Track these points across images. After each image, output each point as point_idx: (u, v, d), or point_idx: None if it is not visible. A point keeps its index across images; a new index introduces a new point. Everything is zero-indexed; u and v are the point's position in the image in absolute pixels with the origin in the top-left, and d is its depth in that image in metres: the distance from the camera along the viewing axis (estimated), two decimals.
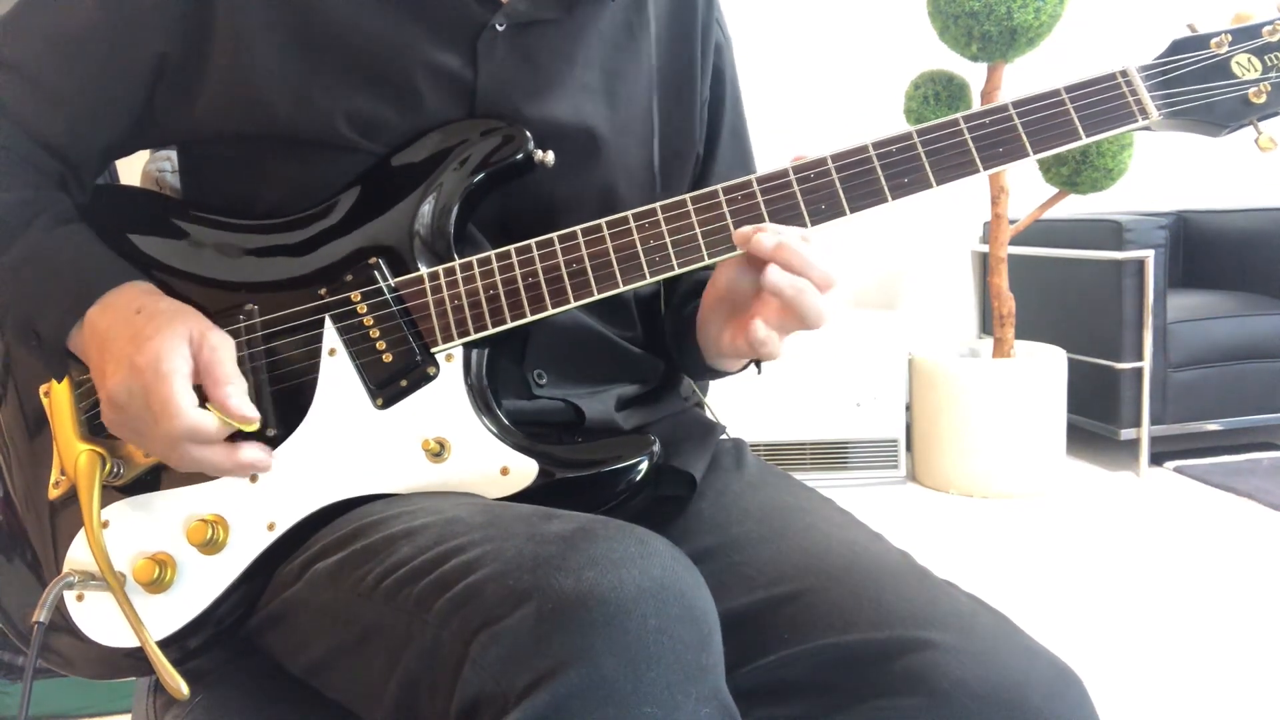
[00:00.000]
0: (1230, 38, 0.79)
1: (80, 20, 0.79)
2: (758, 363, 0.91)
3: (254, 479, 0.75)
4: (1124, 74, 0.78)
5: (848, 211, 0.77)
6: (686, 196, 0.77)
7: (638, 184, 0.86)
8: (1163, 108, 0.78)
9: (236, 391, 0.71)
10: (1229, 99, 0.78)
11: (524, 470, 0.74)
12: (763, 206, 0.76)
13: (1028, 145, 0.76)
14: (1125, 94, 0.77)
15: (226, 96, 0.78)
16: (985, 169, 0.76)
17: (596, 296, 0.76)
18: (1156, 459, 3.06)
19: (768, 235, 0.73)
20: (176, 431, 0.69)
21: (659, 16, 0.89)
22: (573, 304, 0.76)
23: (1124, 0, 3.47)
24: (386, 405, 0.76)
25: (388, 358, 0.76)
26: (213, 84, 0.78)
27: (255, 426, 0.71)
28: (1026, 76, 2.22)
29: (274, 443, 0.75)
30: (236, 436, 0.72)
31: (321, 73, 0.78)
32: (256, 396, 0.74)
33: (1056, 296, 3.24)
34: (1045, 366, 2.87)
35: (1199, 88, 0.78)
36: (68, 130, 0.81)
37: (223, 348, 0.72)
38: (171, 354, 0.70)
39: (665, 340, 0.95)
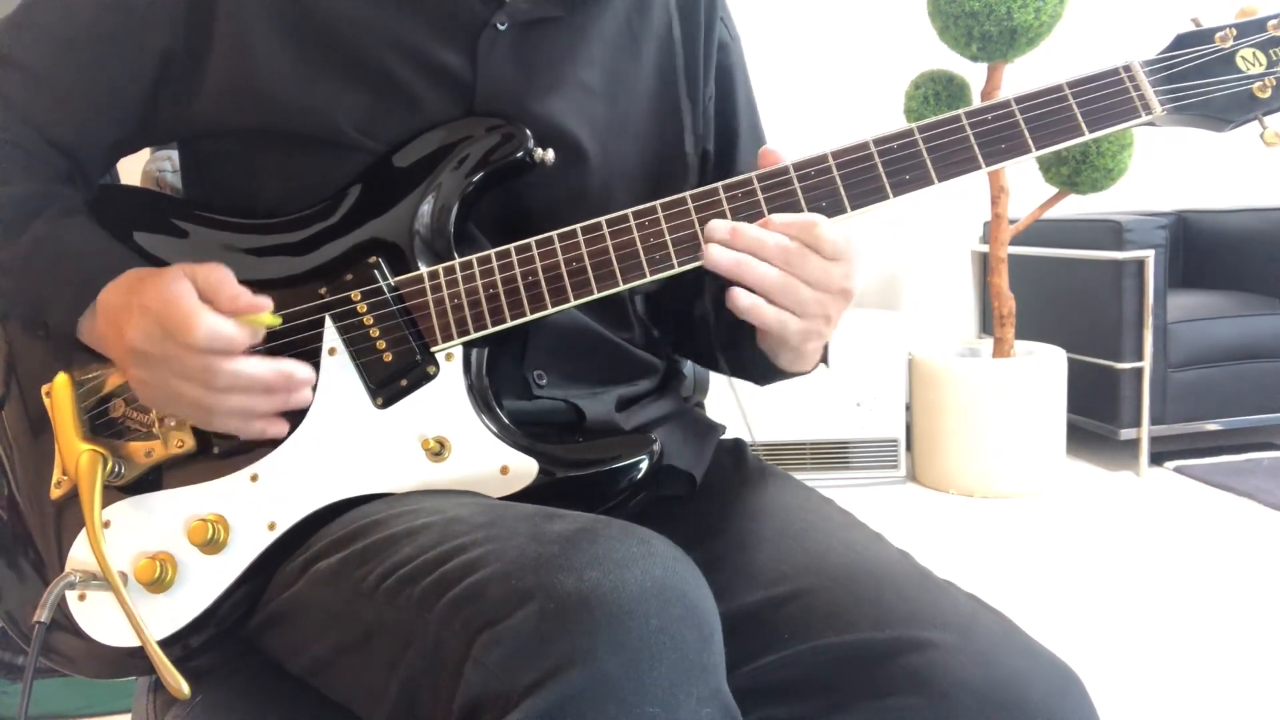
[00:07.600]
0: (1235, 32, 0.78)
1: (86, 18, 0.79)
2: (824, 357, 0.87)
3: (254, 478, 0.75)
4: (1127, 69, 0.77)
5: (849, 209, 0.76)
6: (687, 194, 0.76)
7: (637, 183, 0.86)
8: (1166, 103, 0.77)
9: (243, 291, 0.70)
10: (1234, 93, 0.77)
11: (524, 469, 0.74)
12: (763, 204, 0.76)
13: (1030, 141, 0.76)
14: (1129, 89, 0.76)
15: (227, 93, 0.78)
16: (988, 165, 0.76)
17: (596, 295, 0.76)
18: (1156, 459, 3.06)
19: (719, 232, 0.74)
20: (200, 341, 0.68)
21: (662, 16, 0.89)
22: (572, 302, 0.76)
23: (1124, 1, 3.47)
24: (386, 405, 0.75)
25: (388, 357, 0.76)
26: (213, 81, 0.79)
27: (272, 319, 0.72)
28: (1026, 77, 2.21)
29: (275, 442, 0.75)
30: None
31: (321, 70, 0.78)
32: None
33: (1056, 296, 3.24)
34: (1045, 366, 2.87)
35: (1203, 82, 0.77)
36: (76, 128, 0.81)
37: (220, 269, 0.71)
38: (172, 281, 0.70)
39: (696, 346, 0.96)
